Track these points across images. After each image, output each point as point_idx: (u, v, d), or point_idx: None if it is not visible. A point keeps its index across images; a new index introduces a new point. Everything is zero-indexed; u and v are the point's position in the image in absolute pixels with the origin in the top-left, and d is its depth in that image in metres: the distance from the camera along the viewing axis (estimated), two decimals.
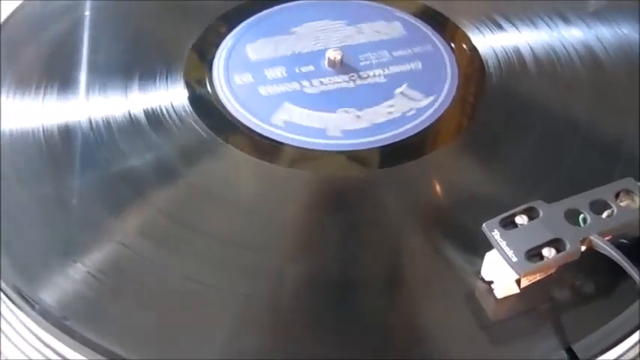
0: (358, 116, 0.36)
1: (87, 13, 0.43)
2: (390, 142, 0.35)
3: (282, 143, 0.35)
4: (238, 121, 0.36)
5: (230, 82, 0.38)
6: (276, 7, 0.43)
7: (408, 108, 0.37)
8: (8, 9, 0.43)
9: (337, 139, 0.36)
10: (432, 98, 0.37)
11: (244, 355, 0.28)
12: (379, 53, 0.40)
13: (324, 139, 0.36)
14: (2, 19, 0.42)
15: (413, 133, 0.36)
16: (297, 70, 0.39)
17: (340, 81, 0.38)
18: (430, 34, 0.41)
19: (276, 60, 0.39)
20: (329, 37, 0.41)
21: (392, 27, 0.41)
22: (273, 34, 0.41)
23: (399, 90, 0.38)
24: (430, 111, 0.37)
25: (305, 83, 0.38)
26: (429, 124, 0.36)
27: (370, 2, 0.43)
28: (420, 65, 0.39)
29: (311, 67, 0.39)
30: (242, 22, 0.42)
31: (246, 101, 0.37)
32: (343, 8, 0.43)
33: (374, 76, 0.39)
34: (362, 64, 0.39)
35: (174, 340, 0.28)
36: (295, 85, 0.38)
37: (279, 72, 0.39)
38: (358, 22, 0.41)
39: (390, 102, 0.37)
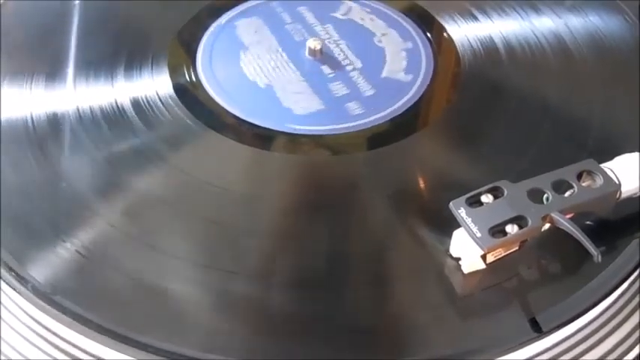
0: (311, 104, 0.38)
1: (77, 2, 0.44)
2: (362, 128, 0.37)
3: (267, 130, 0.37)
4: (221, 107, 0.38)
5: (213, 68, 0.40)
6: None
7: (358, 107, 0.38)
8: None
9: (284, 121, 0.37)
10: (387, 104, 0.38)
11: (228, 327, 0.30)
12: (360, 52, 0.40)
13: (273, 118, 0.37)
14: None
15: (384, 121, 0.37)
16: (278, 52, 0.40)
17: (312, 69, 0.39)
18: (420, 44, 0.41)
19: (263, 39, 0.41)
20: (323, 28, 0.42)
21: (388, 31, 0.42)
22: (264, 18, 0.42)
23: (360, 89, 0.39)
24: (379, 115, 0.38)
25: (280, 65, 0.40)
26: (400, 112, 0.38)
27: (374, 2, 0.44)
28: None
29: (292, 52, 0.40)
30: (227, 11, 0.43)
31: (217, 71, 0.39)
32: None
33: (345, 71, 0.39)
34: (340, 58, 0.40)
35: (160, 314, 0.30)
36: (270, 65, 0.40)
37: (261, 50, 0.40)
38: (355, 19, 0.43)
39: (347, 98, 0.38)
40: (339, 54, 0.41)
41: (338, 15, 0.43)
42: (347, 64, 0.40)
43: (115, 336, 0.28)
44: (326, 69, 0.40)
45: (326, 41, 0.41)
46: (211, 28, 0.42)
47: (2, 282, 0.31)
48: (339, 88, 0.39)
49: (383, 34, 0.42)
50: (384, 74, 0.40)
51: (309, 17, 0.43)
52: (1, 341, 0.30)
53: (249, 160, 0.36)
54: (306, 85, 0.39)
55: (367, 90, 0.39)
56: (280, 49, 0.41)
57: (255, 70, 0.40)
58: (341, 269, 0.32)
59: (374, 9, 0.43)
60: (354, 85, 0.39)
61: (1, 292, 0.31)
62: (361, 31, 0.42)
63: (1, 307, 0.31)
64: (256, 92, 0.38)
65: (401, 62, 0.40)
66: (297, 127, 0.37)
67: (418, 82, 0.39)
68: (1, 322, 0.31)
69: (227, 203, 0.34)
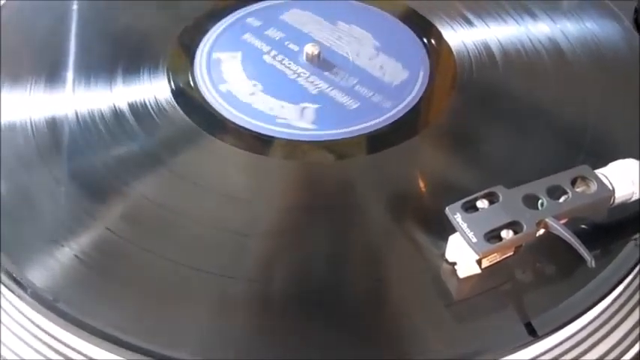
0: (305, 111, 0.38)
1: (74, 7, 0.44)
2: (360, 133, 0.37)
3: (264, 135, 0.37)
4: (219, 113, 0.38)
5: (211, 73, 0.40)
6: (268, 2, 0.44)
7: (356, 113, 0.38)
8: None
9: (278, 126, 0.37)
10: (384, 109, 0.38)
11: (228, 332, 0.30)
12: (358, 55, 0.41)
13: (267, 123, 0.37)
14: None
15: (381, 126, 0.38)
16: (277, 56, 0.41)
17: (309, 77, 0.40)
18: (419, 50, 0.42)
19: (262, 44, 0.41)
20: (321, 32, 0.42)
21: (389, 40, 0.42)
22: (264, 22, 0.43)
23: (357, 94, 0.39)
24: (378, 120, 0.38)
25: (279, 67, 0.40)
26: (397, 117, 0.38)
27: (376, 9, 0.44)
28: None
29: (291, 57, 0.41)
30: (225, 15, 0.43)
31: (215, 75, 0.40)
32: (346, 9, 0.44)
33: (342, 79, 0.40)
34: (338, 65, 0.40)
35: (159, 318, 0.30)
36: (267, 70, 0.40)
37: (259, 55, 0.41)
38: (350, 23, 0.43)
39: (343, 105, 0.39)
40: (337, 59, 0.41)
41: (337, 21, 0.43)
42: (345, 70, 0.40)
43: (113, 340, 0.29)
44: (324, 74, 0.40)
45: (324, 46, 0.41)
46: (210, 33, 0.42)
47: (2, 285, 0.31)
48: (336, 94, 0.39)
49: (382, 40, 0.42)
50: (382, 80, 0.40)
51: (309, 22, 0.43)
52: (1, 344, 0.31)
53: (247, 165, 0.36)
54: (305, 91, 0.39)
55: (365, 95, 0.39)
56: (279, 54, 0.41)
57: (253, 75, 0.40)
58: (339, 272, 0.32)
59: (373, 15, 0.44)
60: (351, 90, 0.39)
61: (1, 296, 0.31)
62: (360, 36, 0.42)
63: (1, 310, 0.32)
64: (254, 97, 0.39)
65: (399, 68, 0.41)
66: (295, 131, 0.37)
67: (416, 88, 0.40)
68: (1, 325, 0.31)
69: (225, 207, 0.34)
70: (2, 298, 0.31)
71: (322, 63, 0.41)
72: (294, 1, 0.45)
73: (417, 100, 0.39)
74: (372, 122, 0.38)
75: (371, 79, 0.40)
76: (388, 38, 0.42)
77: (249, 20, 0.42)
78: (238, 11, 0.44)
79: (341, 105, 0.39)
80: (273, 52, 0.41)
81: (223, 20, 0.43)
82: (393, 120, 0.38)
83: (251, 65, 0.41)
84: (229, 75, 0.40)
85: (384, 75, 0.40)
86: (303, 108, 0.38)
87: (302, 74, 0.40)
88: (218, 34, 0.42)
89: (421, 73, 0.41)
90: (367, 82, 0.40)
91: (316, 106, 0.38)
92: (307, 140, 0.37)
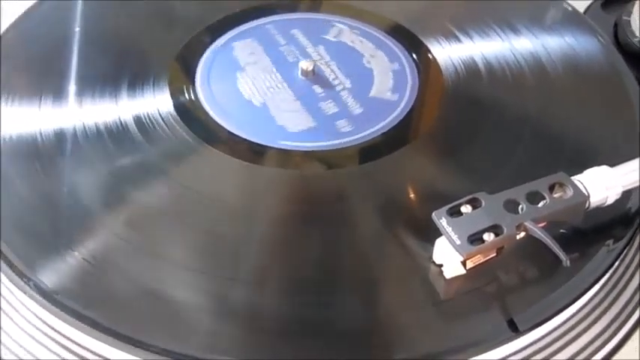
0: (299, 122, 0.40)
1: (77, 29, 0.46)
2: (350, 144, 0.39)
3: (261, 146, 0.39)
4: (218, 125, 0.40)
5: (211, 87, 0.42)
6: (281, 15, 0.47)
7: (346, 125, 0.40)
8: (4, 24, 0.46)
9: (273, 137, 0.39)
10: (373, 123, 0.40)
11: (224, 329, 0.32)
12: (351, 73, 0.43)
13: (262, 133, 0.39)
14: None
15: (372, 137, 0.40)
16: (272, 71, 0.43)
17: (303, 89, 0.42)
18: (407, 66, 0.44)
19: (259, 59, 0.43)
20: (317, 50, 0.44)
21: (377, 54, 0.44)
22: (269, 37, 0.45)
23: (348, 109, 0.41)
24: (368, 132, 0.40)
25: (272, 84, 0.42)
26: (386, 129, 0.40)
27: (367, 26, 0.46)
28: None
29: (285, 72, 0.43)
30: (224, 33, 0.45)
31: (215, 89, 0.42)
32: (341, 27, 0.46)
33: (334, 91, 0.42)
34: (331, 79, 0.42)
35: (161, 316, 0.32)
36: (263, 84, 0.42)
37: (256, 69, 0.43)
38: (350, 43, 0.45)
39: (333, 117, 0.40)
40: (329, 74, 0.43)
41: (329, 37, 0.45)
42: (337, 84, 0.42)
43: (119, 336, 0.31)
44: (317, 89, 0.42)
45: (318, 62, 0.43)
46: (209, 50, 0.44)
47: (14, 287, 0.33)
48: (329, 107, 0.41)
49: (371, 56, 0.44)
50: (372, 93, 0.42)
51: (302, 39, 0.45)
52: (13, 342, 0.32)
53: (244, 174, 0.38)
54: (299, 104, 0.41)
55: (356, 108, 0.41)
56: (274, 70, 0.43)
57: (250, 90, 0.42)
58: (332, 275, 0.34)
59: (363, 31, 0.46)
60: (343, 103, 0.41)
61: (13, 297, 0.33)
62: (351, 52, 0.44)
63: (11, 310, 0.34)
64: (252, 110, 0.41)
65: (388, 82, 0.43)
66: (290, 143, 0.39)
67: (404, 101, 0.42)
68: (14, 324, 0.33)
69: (223, 214, 0.36)
70: (14, 299, 0.33)
71: (316, 78, 0.42)
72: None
73: (406, 112, 0.41)
74: (364, 133, 0.40)
75: (361, 93, 0.42)
76: (378, 54, 0.44)
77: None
78: (236, 29, 0.46)
79: (334, 118, 0.41)
80: (270, 67, 0.43)
81: (222, 36, 0.45)
82: (383, 131, 0.40)
83: (250, 79, 0.43)
84: (228, 89, 0.42)
85: (373, 88, 0.42)
86: (299, 120, 0.40)
87: (296, 89, 0.42)
88: (217, 49, 0.44)
89: (409, 87, 0.43)
90: (358, 96, 0.42)
91: (311, 118, 0.40)
92: (303, 150, 0.39)
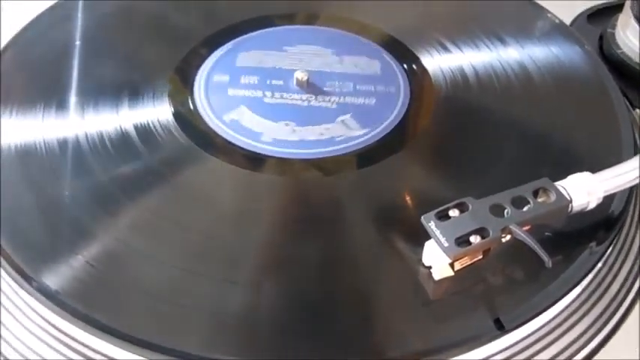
0: (294, 130, 0.41)
1: (77, 42, 0.47)
2: (345, 151, 0.40)
3: (258, 154, 0.40)
4: (216, 133, 0.41)
5: (209, 97, 0.43)
6: (276, 28, 0.48)
7: (340, 134, 0.41)
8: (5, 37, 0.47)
9: (267, 145, 0.41)
10: (365, 130, 0.41)
11: (222, 328, 0.33)
12: (345, 84, 0.44)
13: (257, 142, 0.41)
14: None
15: (365, 144, 0.41)
16: (267, 82, 0.44)
17: (297, 99, 0.43)
18: (399, 74, 0.45)
19: (255, 70, 0.45)
20: (312, 60, 0.46)
21: (371, 64, 0.46)
22: (265, 49, 0.46)
23: (341, 118, 0.42)
24: (360, 140, 0.41)
25: (267, 93, 0.43)
26: (379, 137, 0.41)
27: (361, 38, 0.48)
28: (373, 102, 0.43)
29: (280, 82, 0.44)
30: (222, 44, 0.47)
31: (212, 100, 0.43)
32: (336, 39, 0.47)
33: (328, 101, 0.43)
34: (326, 89, 0.44)
35: (160, 317, 0.33)
36: (258, 93, 0.43)
37: (252, 80, 0.44)
38: (343, 54, 0.46)
39: (327, 125, 0.42)
40: (325, 84, 0.44)
41: (325, 48, 0.47)
42: (332, 94, 0.44)
43: (122, 335, 0.32)
44: (312, 98, 0.43)
45: (312, 72, 0.44)
46: (208, 61, 0.45)
47: (20, 289, 0.34)
48: (324, 116, 0.42)
49: (365, 66, 0.46)
50: (365, 102, 0.44)
51: (298, 50, 0.46)
52: (19, 343, 0.34)
53: (242, 181, 0.39)
54: (294, 113, 0.42)
55: (350, 117, 0.42)
56: (271, 80, 0.44)
57: (247, 99, 0.43)
58: (327, 277, 0.35)
59: (357, 43, 0.47)
60: (337, 112, 0.43)
61: (20, 300, 0.35)
62: (345, 63, 0.46)
63: (16, 311, 0.35)
64: (249, 119, 0.42)
65: (380, 90, 0.44)
66: (286, 150, 0.40)
67: (397, 110, 0.43)
68: (21, 326, 0.34)
69: (222, 219, 0.37)
70: (19, 300, 0.35)
71: (311, 88, 0.44)
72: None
73: (399, 120, 0.42)
74: (358, 141, 0.41)
75: (355, 101, 0.43)
76: (371, 64, 0.46)
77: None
78: (235, 40, 0.47)
79: (329, 125, 0.42)
80: (267, 77, 0.44)
81: (221, 47, 0.46)
82: (376, 138, 0.41)
83: (247, 89, 0.44)
84: (226, 98, 0.43)
85: (366, 97, 0.44)
86: (295, 128, 0.42)
87: (292, 99, 0.43)
88: (216, 60, 0.46)
89: (402, 96, 0.44)
90: (352, 104, 0.43)
91: (307, 127, 0.42)
92: (299, 158, 0.40)
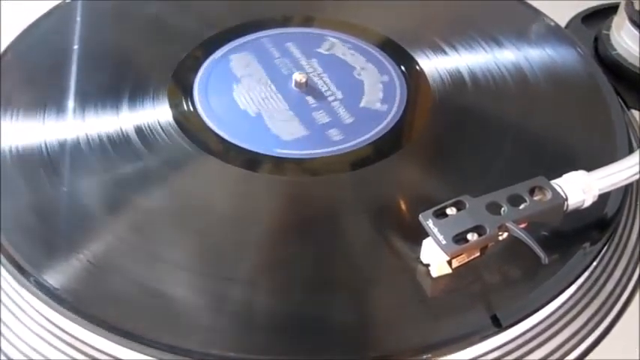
0: (292, 131, 0.42)
1: (77, 45, 0.47)
2: (341, 152, 0.41)
3: (256, 153, 0.41)
4: (215, 134, 0.42)
5: (208, 98, 0.44)
6: (274, 30, 0.48)
7: (338, 134, 0.42)
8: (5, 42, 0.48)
9: (266, 145, 0.41)
10: (364, 131, 0.42)
11: (220, 326, 0.33)
12: (342, 85, 0.44)
13: (256, 142, 0.41)
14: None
15: (362, 145, 0.41)
16: (266, 83, 0.45)
17: (296, 100, 0.44)
18: (396, 76, 0.46)
19: (253, 71, 0.45)
20: (310, 62, 0.46)
21: (367, 66, 0.46)
22: (263, 51, 0.47)
23: (338, 119, 0.43)
24: (358, 140, 0.42)
25: (266, 94, 0.44)
26: (376, 138, 0.42)
27: (358, 39, 0.48)
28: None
29: (279, 84, 0.44)
30: (221, 47, 0.47)
31: (211, 101, 0.43)
32: (332, 40, 0.48)
33: (326, 102, 0.43)
34: (324, 90, 0.44)
35: (160, 314, 0.33)
36: (257, 94, 0.44)
37: (251, 81, 0.45)
38: (340, 56, 0.47)
39: (325, 126, 0.42)
40: (322, 86, 0.45)
41: (322, 50, 0.47)
42: (329, 95, 0.44)
43: (120, 333, 0.32)
44: (310, 99, 0.44)
45: (310, 74, 0.45)
46: (206, 63, 0.46)
47: (22, 288, 0.35)
48: (321, 117, 0.43)
49: (362, 68, 0.46)
50: (362, 104, 0.44)
51: (296, 52, 0.47)
52: (21, 342, 0.34)
53: (241, 181, 0.40)
54: (292, 114, 0.43)
55: (347, 118, 0.43)
56: (269, 82, 0.45)
57: (246, 101, 0.44)
58: (325, 275, 0.36)
59: (354, 45, 0.48)
60: (335, 113, 0.43)
61: (19, 297, 0.35)
62: (342, 65, 0.46)
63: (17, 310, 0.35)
64: (247, 120, 0.43)
65: (378, 93, 0.45)
66: (284, 151, 0.41)
67: (393, 111, 0.44)
68: (21, 324, 0.35)
69: (220, 218, 0.38)
70: (20, 299, 0.35)
71: (309, 89, 0.44)
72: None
73: (395, 121, 0.43)
74: (355, 142, 0.42)
75: (352, 103, 0.44)
76: (368, 66, 0.46)
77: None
78: (232, 42, 0.47)
79: (326, 127, 0.42)
80: (265, 79, 0.45)
81: (219, 50, 0.47)
82: (373, 139, 0.42)
83: (245, 91, 0.44)
84: (225, 100, 0.44)
85: (364, 99, 0.44)
86: (292, 129, 0.42)
87: (290, 100, 0.44)
88: (214, 62, 0.46)
89: (398, 97, 0.44)
90: (349, 106, 0.43)
91: (304, 128, 0.42)
92: (296, 158, 0.40)
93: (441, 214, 0.34)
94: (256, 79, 0.45)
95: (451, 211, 0.35)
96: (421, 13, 0.51)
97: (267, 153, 0.41)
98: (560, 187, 0.36)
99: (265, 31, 0.49)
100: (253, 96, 0.44)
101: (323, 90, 0.45)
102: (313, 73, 0.46)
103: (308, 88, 0.45)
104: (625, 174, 0.37)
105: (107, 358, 0.33)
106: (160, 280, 0.35)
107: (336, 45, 0.48)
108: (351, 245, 0.37)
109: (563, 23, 0.52)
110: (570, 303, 0.36)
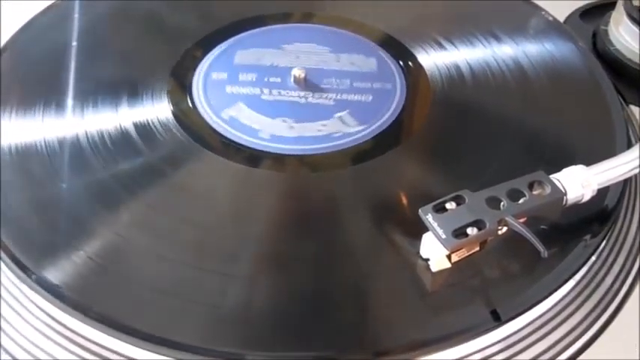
0: (292, 127, 0.42)
1: (76, 42, 0.47)
2: (342, 147, 0.41)
3: (255, 149, 0.41)
4: (215, 130, 0.42)
5: (207, 95, 0.44)
6: (273, 26, 0.48)
7: (337, 130, 0.42)
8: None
9: (265, 141, 0.41)
10: (362, 127, 0.42)
11: (220, 322, 0.33)
12: (342, 81, 0.45)
13: (255, 138, 0.41)
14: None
15: (362, 140, 0.41)
16: (265, 79, 0.45)
17: (295, 95, 0.44)
18: (396, 71, 0.46)
19: (253, 67, 0.45)
20: (309, 58, 0.46)
21: (367, 62, 0.46)
22: (263, 46, 0.47)
23: (338, 114, 0.43)
24: (357, 136, 0.42)
25: (265, 91, 0.44)
26: (376, 133, 0.42)
27: (357, 36, 0.48)
28: (369, 99, 0.44)
29: (278, 79, 0.45)
30: (219, 42, 0.47)
31: (210, 97, 0.43)
32: (333, 37, 0.48)
33: (325, 98, 0.44)
34: (323, 86, 0.44)
35: (159, 310, 0.34)
36: (256, 91, 0.44)
37: (250, 77, 0.45)
38: (340, 52, 0.47)
39: (324, 122, 0.42)
40: (321, 81, 0.45)
41: (321, 46, 0.47)
42: (328, 91, 0.44)
43: (122, 328, 0.32)
44: (309, 95, 0.44)
45: (309, 70, 0.45)
46: (206, 59, 0.46)
47: (23, 284, 0.35)
48: (321, 112, 0.43)
49: (362, 63, 0.46)
50: (362, 99, 0.44)
51: (294, 48, 0.47)
52: (24, 340, 0.34)
53: (240, 177, 0.40)
54: (292, 110, 0.43)
55: (346, 114, 0.43)
56: (268, 77, 0.45)
57: (245, 97, 0.44)
58: (325, 270, 0.36)
59: (353, 41, 0.48)
60: (334, 109, 0.43)
61: (20, 293, 0.35)
62: (341, 60, 0.46)
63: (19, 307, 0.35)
64: (247, 116, 0.43)
65: (377, 87, 0.45)
66: (284, 147, 0.41)
67: (393, 106, 0.44)
68: (22, 320, 0.35)
69: (220, 215, 0.38)
70: (22, 296, 0.35)
71: (308, 85, 0.44)
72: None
73: (395, 116, 0.43)
74: (355, 137, 0.42)
75: (352, 98, 0.44)
76: (368, 62, 0.46)
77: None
78: (233, 37, 0.48)
79: (326, 122, 0.42)
80: (265, 74, 0.45)
81: (219, 46, 0.47)
82: (373, 134, 0.42)
83: (245, 87, 0.44)
84: (224, 96, 0.44)
85: (363, 94, 0.44)
86: (292, 125, 0.42)
87: (289, 96, 0.44)
88: (214, 58, 0.46)
89: (398, 92, 0.45)
90: (349, 101, 0.44)
91: (304, 124, 0.42)
92: (296, 154, 0.41)
93: (440, 209, 0.35)
94: (255, 75, 0.45)
95: (451, 205, 0.35)
96: (420, 8, 0.51)
97: (267, 149, 0.41)
98: (559, 181, 0.36)
99: (265, 27, 0.49)
100: (252, 92, 0.44)
101: (322, 86, 0.45)
102: (312, 68, 0.45)
103: (308, 83, 0.45)
104: (623, 169, 0.37)
105: (108, 353, 0.33)
106: (160, 276, 0.35)
107: (336, 41, 0.48)
108: (351, 240, 0.37)
109: (561, 19, 0.52)
110: (570, 297, 0.36)
